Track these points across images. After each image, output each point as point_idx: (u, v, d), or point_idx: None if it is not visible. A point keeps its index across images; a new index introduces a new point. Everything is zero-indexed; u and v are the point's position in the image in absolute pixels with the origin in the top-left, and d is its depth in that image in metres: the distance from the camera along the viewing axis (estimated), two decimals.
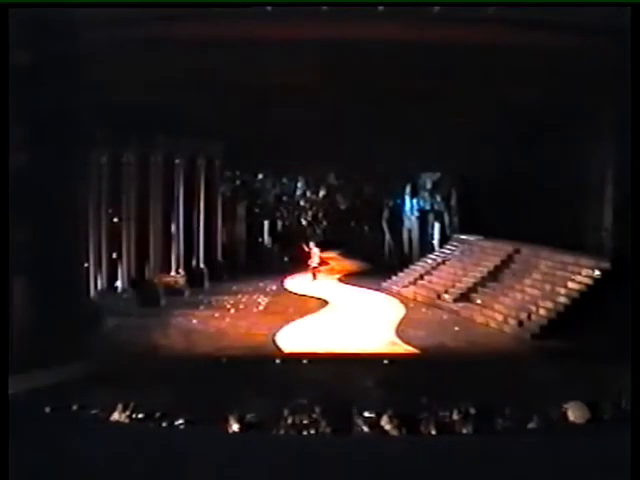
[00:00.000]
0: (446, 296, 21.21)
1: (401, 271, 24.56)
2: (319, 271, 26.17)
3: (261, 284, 24.18)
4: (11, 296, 12.89)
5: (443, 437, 10.94)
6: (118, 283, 19.96)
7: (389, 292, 23.18)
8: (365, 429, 11.33)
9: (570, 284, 18.58)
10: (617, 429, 10.45)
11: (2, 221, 11.88)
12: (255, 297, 22.10)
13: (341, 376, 13.97)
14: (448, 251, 24.45)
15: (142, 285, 20.76)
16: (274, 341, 16.99)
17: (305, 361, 15.13)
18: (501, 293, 20.27)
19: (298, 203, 28.96)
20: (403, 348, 16.67)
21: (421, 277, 23.41)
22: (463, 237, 24.56)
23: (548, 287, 19.04)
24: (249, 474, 6.66)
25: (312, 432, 11.13)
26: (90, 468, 6.73)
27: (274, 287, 23.98)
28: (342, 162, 25.66)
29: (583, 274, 18.64)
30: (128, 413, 11.68)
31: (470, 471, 6.76)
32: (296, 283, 24.82)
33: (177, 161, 22.46)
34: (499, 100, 20.35)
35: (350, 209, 28.99)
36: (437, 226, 26.35)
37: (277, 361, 15.21)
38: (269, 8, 13.95)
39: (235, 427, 11.20)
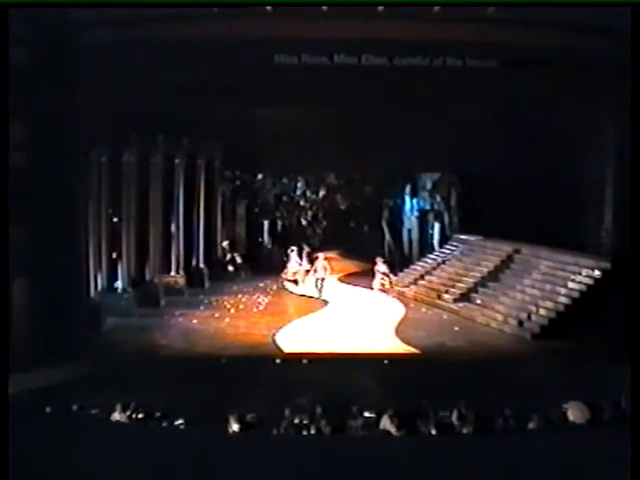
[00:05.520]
0: (446, 296, 21.19)
1: (401, 271, 24.56)
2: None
3: (261, 284, 24.17)
4: (11, 296, 12.90)
5: (443, 437, 10.92)
6: (118, 283, 19.95)
7: (389, 292, 23.16)
8: (365, 429, 11.32)
9: (570, 284, 18.59)
10: (617, 429, 10.43)
11: (2, 221, 11.87)
12: (255, 297, 22.09)
13: (341, 376, 13.97)
14: (448, 251, 24.41)
15: (142, 285, 20.76)
16: (274, 341, 16.99)
17: (305, 361, 15.14)
18: (501, 293, 20.26)
19: (298, 203, 28.91)
20: (403, 348, 16.68)
21: (421, 277, 23.39)
22: (463, 237, 24.53)
23: (548, 287, 19.04)
24: (249, 474, 6.65)
25: (312, 432, 11.12)
26: (90, 468, 6.72)
27: (274, 287, 23.97)
28: (342, 162, 25.62)
29: (583, 274, 18.64)
30: (128, 413, 11.67)
31: (470, 471, 6.74)
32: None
33: (177, 161, 22.44)
34: (499, 99, 20.37)
35: (350, 209, 28.93)
36: (437, 226, 26.30)
37: (277, 361, 15.22)
38: (269, 8, 13.97)
39: (235, 427, 11.17)
